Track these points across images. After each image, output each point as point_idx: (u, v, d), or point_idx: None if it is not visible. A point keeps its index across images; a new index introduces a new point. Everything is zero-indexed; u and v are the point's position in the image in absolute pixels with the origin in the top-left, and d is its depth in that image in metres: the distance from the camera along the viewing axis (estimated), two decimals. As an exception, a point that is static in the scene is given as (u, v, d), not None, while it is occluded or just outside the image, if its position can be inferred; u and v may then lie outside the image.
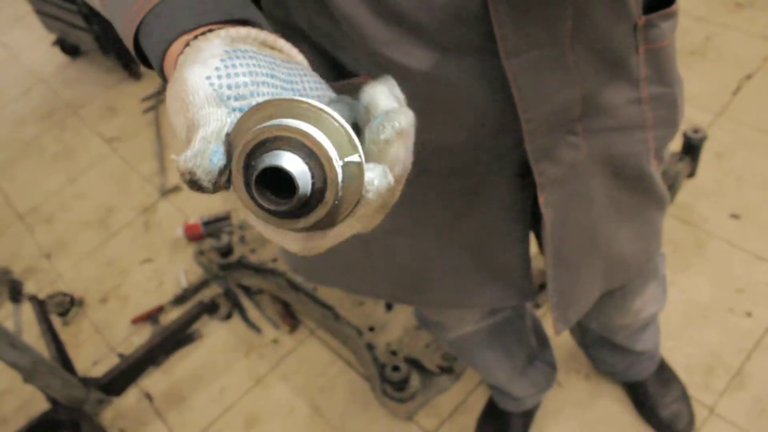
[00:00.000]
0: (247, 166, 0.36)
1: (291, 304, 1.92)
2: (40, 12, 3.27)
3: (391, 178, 0.37)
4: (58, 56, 3.49)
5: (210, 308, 1.94)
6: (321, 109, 0.37)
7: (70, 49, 3.46)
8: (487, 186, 0.78)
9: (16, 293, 2.08)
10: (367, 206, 0.37)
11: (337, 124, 0.37)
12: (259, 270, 1.92)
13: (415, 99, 0.67)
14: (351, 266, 0.94)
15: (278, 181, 0.36)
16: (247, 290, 2.01)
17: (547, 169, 0.74)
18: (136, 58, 0.51)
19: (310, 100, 0.37)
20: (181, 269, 2.17)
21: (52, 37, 3.44)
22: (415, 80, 0.64)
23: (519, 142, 0.71)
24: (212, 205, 2.33)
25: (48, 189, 2.72)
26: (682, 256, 1.78)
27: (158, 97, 2.98)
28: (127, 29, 0.48)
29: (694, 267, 1.76)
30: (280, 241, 0.41)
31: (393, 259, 0.89)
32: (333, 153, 0.36)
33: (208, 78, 0.40)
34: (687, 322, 1.67)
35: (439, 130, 0.69)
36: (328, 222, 0.38)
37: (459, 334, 1.26)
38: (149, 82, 3.10)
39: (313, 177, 0.36)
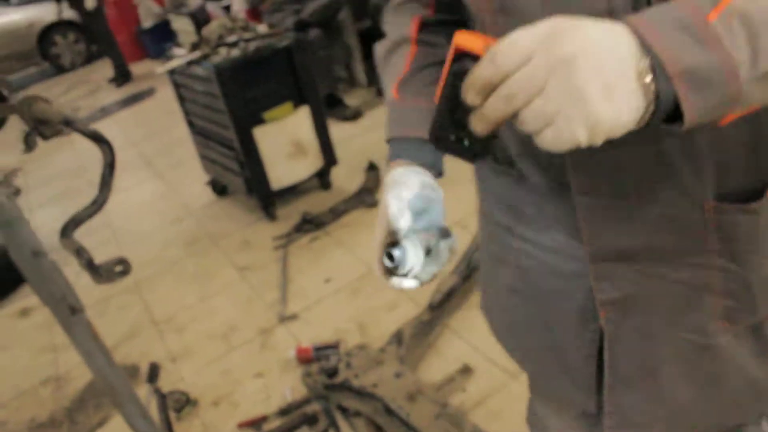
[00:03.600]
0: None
1: (384, 429, 2.07)
2: (203, 156, 3.84)
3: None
4: (209, 194, 4.03)
5: (310, 420, 2.13)
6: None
7: (220, 189, 4.00)
8: (567, 288, 0.92)
9: (153, 375, 2.36)
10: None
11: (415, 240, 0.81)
12: (360, 393, 2.11)
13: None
14: (506, 327, 1.11)
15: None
16: (344, 412, 2.19)
17: (606, 289, 0.84)
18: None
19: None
20: (288, 386, 2.38)
21: (207, 178, 3.99)
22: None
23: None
24: (324, 334, 2.58)
25: (183, 303, 3.08)
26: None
27: (288, 237, 3.36)
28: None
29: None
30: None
31: (508, 316, 1.07)
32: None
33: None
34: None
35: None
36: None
37: None
38: (283, 223, 3.51)
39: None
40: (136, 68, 8.02)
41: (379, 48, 0.98)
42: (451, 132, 0.65)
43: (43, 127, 1.17)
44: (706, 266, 0.81)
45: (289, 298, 2.91)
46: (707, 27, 0.56)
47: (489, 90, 0.58)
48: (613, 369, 0.91)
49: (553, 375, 1.03)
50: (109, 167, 1.17)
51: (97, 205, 1.18)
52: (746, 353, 0.88)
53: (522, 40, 0.57)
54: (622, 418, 0.95)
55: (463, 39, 0.61)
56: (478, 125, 0.61)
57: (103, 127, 6.01)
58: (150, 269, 3.44)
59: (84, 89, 7.96)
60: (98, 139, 1.14)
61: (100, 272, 1.08)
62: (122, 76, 7.60)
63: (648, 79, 0.56)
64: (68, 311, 1.59)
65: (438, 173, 0.90)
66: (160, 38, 7.70)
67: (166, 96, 6.07)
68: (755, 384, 0.91)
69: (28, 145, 1.20)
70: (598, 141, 0.57)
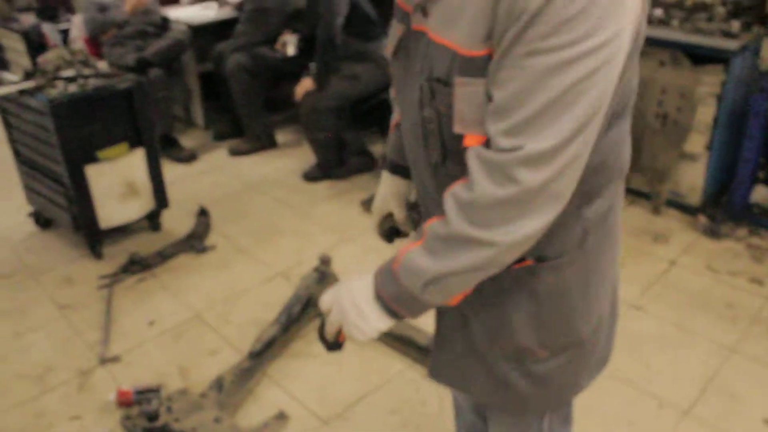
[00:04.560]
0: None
1: (199, 472, 2.19)
2: (27, 186, 3.74)
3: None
4: (30, 226, 3.90)
5: (127, 465, 2.20)
6: None
7: (43, 222, 3.89)
8: None
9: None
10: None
11: None
12: (179, 437, 2.22)
13: None
14: None
15: None
16: (162, 455, 2.28)
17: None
18: None
19: None
20: (106, 430, 2.43)
21: (30, 209, 3.87)
22: None
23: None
24: (146, 377, 2.65)
25: (-8, 340, 2.98)
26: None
27: (114, 277, 3.37)
28: None
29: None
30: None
31: None
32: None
33: None
34: None
35: None
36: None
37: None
38: (109, 262, 3.51)
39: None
40: (-50, 76, 7.44)
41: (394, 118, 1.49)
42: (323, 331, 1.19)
43: None
44: (469, 304, 1.19)
45: (112, 339, 2.93)
46: (394, 271, 1.04)
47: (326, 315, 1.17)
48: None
49: None
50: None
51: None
52: (510, 366, 1.23)
53: (330, 295, 1.14)
54: (438, 350, 1.36)
55: None
56: (327, 331, 1.17)
57: None
58: (-42, 302, 3.28)
59: None
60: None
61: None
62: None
63: (378, 302, 1.07)
64: None
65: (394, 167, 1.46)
66: (-18, 49, 7.23)
67: (-15, 113, 5.71)
68: (518, 389, 1.25)
69: None
70: (374, 337, 1.10)
